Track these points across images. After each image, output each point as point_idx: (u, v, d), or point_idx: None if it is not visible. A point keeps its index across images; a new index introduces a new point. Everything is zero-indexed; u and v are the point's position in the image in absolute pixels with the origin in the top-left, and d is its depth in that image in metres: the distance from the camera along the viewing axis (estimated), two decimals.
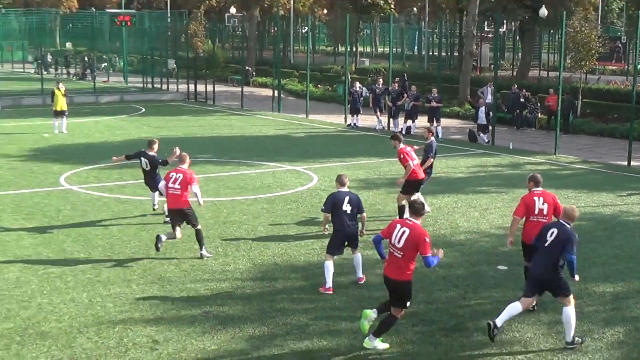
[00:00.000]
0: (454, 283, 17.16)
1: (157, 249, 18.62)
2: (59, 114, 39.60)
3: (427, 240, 13.22)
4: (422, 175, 21.96)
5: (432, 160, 23.40)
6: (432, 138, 23.71)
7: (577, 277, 13.95)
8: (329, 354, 13.45)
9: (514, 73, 63.86)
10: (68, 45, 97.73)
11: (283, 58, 71.94)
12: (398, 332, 14.12)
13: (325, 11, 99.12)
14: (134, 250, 19.36)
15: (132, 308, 15.40)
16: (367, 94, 45.80)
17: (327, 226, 17.13)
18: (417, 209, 13.62)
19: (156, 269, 17.83)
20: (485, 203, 25.16)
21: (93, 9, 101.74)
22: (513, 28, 76.16)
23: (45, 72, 70.18)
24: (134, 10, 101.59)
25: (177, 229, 18.93)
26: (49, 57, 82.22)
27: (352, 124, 43.93)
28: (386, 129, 42.69)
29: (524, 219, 15.84)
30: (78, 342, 13.73)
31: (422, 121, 41.67)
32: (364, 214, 17.05)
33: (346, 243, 16.87)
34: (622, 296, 16.64)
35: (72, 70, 79.25)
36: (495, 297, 16.45)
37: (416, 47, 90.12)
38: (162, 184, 20.05)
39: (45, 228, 21.25)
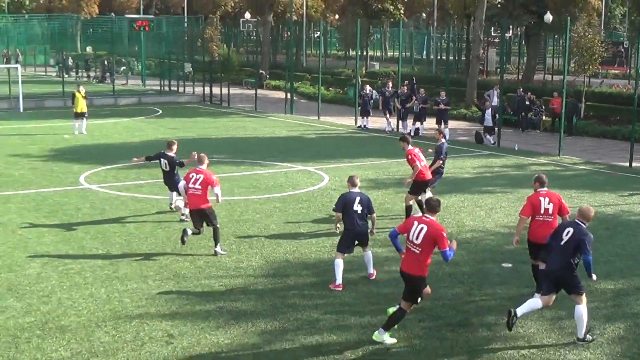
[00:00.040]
0: (460, 280, 17.14)
1: (183, 242, 18.73)
2: (79, 115, 39.69)
3: (445, 234, 13.41)
4: (429, 176, 21.93)
5: (440, 161, 23.37)
6: (443, 140, 23.69)
7: (594, 277, 14.00)
8: (339, 348, 13.45)
9: (520, 77, 63.74)
10: (88, 49, 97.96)
11: (296, 62, 71.88)
12: (405, 327, 14.12)
13: (336, 16, 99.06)
14: (150, 247, 19.39)
15: (148, 303, 15.43)
16: (377, 97, 45.78)
17: (338, 225, 17.14)
18: (433, 206, 13.79)
19: (172, 266, 17.86)
20: (491, 202, 25.12)
21: (113, 14, 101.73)
22: (519, 33, 75.97)
23: (66, 75, 70.36)
24: (152, 16, 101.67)
25: (200, 229, 18.99)
26: (70, 61, 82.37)
27: (362, 126, 43.90)
28: (395, 130, 42.65)
29: (530, 218, 15.86)
30: (96, 335, 13.77)
31: (430, 123, 41.65)
32: (374, 215, 17.04)
33: (356, 242, 16.90)
34: (623, 293, 16.60)
35: (92, 74, 79.35)
36: (500, 294, 16.44)
37: (425, 52, 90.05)
38: (182, 184, 20.10)
39: (65, 225, 21.30)
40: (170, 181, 22.50)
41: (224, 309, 15.20)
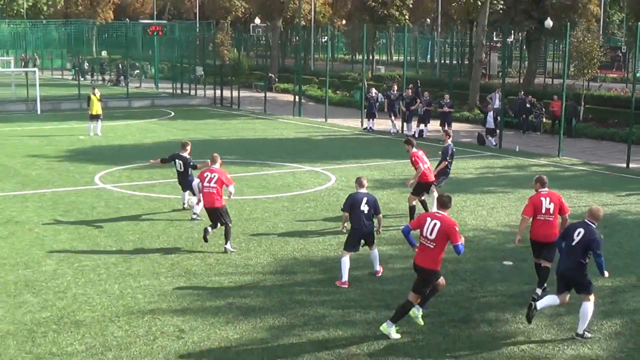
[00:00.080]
0: (462, 277, 17.11)
1: (206, 240, 18.78)
2: (94, 117, 39.72)
3: (457, 229, 13.56)
4: (432, 178, 21.92)
5: (445, 163, 23.36)
6: (449, 141, 23.68)
7: (606, 274, 14.08)
8: (344, 343, 13.45)
9: (521, 80, 63.66)
10: (103, 53, 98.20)
11: (304, 66, 71.88)
12: (409, 323, 14.10)
13: (343, 22, 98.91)
14: (162, 245, 19.40)
15: (160, 299, 15.44)
16: (383, 100, 45.75)
17: (345, 224, 17.14)
18: (444, 202, 13.92)
19: (183, 263, 17.87)
20: (493, 202, 25.09)
21: (127, 20, 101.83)
22: (520, 38, 75.84)
23: (82, 79, 70.57)
24: (165, 21, 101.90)
25: (217, 224, 19.05)
26: (86, 65, 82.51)
27: (368, 128, 43.88)
28: (400, 132, 42.62)
29: (531, 218, 15.87)
30: (110, 330, 13.79)
31: (434, 125, 41.61)
32: (380, 215, 17.04)
33: (363, 241, 16.90)
34: (620, 290, 16.57)
35: (107, 77, 79.46)
36: (501, 291, 16.42)
37: (429, 56, 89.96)
38: (196, 182, 20.19)
39: (80, 224, 21.32)
40: (184, 181, 22.57)
41: (233, 304, 15.21)
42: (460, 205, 24.28)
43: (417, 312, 14.06)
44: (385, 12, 68.98)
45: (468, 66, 66.68)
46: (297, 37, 69.01)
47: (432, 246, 13.52)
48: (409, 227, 14.17)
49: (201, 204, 20.85)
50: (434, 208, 23.10)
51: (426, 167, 21.60)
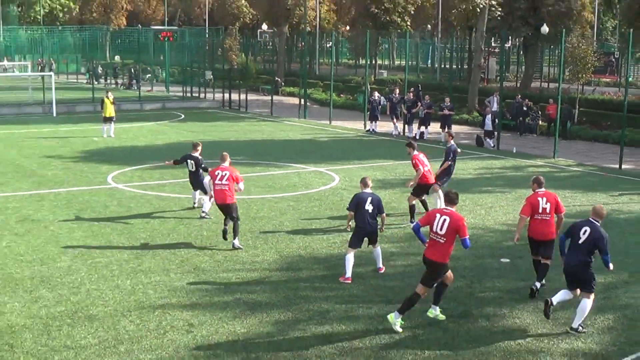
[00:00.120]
0: (461, 274, 17.08)
1: (225, 238, 18.85)
2: (108, 119, 39.73)
3: (465, 224, 13.82)
4: (432, 180, 21.91)
5: (448, 163, 23.35)
6: (452, 142, 23.70)
7: (611, 266, 14.15)
8: (347, 337, 13.44)
9: (518, 84, 63.55)
10: (117, 58, 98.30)
11: (309, 70, 71.88)
12: (410, 318, 14.10)
13: (347, 28, 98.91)
14: (172, 242, 19.40)
15: (170, 294, 15.45)
16: (385, 103, 45.68)
17: (350, 223, 17.14)
18: (452, 198, 14.13)
19: (192, 260, 17.87)
20: (490, 202, 25.07)
21: (139, 26, 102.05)
22: (517, 44, 75.71)
23: (96, 82, 70.46)
24: (175, 27, 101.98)
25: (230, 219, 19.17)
26: (100, 69, 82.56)
27: (371, 130, 43.86)
28: (402, 134, 42.61)
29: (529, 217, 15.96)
30: (122, 324, 13.80)
31: (434, 127, 41.59)
32: (384, 214, 17.04)
33: (366, 239, 16.92)
34: (612, 286, 16.55)
35: (119, 81, 79.45)
36: (499, 287, 16.41)
37: (429, 61, 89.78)
38: (207, 180, 20.20)
39: (93, 222, 21.33)
40: (195, 180, 22.58)
41: (240, 300, 15.21)
42: (459, 204, 24.01)
43: (434, 312, 14.24)
44: (387, 18, 68.90)
45: (467, 70, 66.53)
46: (303, 43, 68.94)
47: (442, 241, 13.70)
48: (418, 224, 14.35)
49: (210, 202, 20.99)
50: (437, 206, 23.22)
51: (426, 170, 21.60)
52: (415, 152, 21.72)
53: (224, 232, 18.83)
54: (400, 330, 13.68)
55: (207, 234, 20.11)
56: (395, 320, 13.74)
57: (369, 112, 44.47)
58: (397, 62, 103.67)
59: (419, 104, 41.80)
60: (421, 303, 14.13)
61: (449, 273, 14.21)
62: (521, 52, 72.03)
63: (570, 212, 20.16)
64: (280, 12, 77.50)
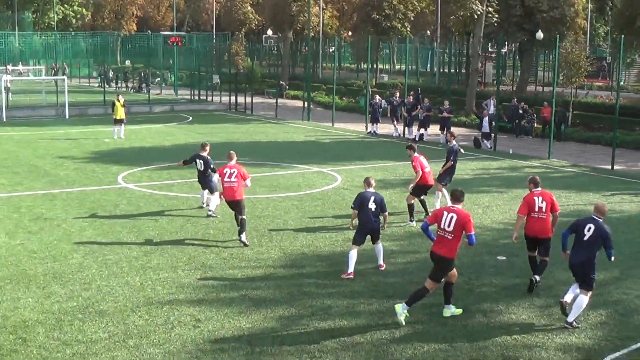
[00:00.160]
0: (459, 271, 16.88)
1: (245, 244, 18.85)
2: (118, 122, 39.70)
3: (472, 220, 13.94)
4: (431, 181, 21.85)
5: (452, 162, 23.35)
6: (454, 142, 23.73)
7: (613, 258, 14.23)
8: (349, 332, 13.41)
9: (514, 88, 63.50)
10: (127, 62, 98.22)
11: (312, 74, 71.77)
12: (410, 313, 14.04)
13: (350, 33, 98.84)
14: (180, 240, 19.36)
15: (178, 291, 15.42)
16: (386, 106, 45.63)
17: (353, 222, 17.11)
18: (457, 196, 14.29)
19: (199, 257, 17.83)
20: (488, 201, 25.01)
21: (149, 31, 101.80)
22: (513, 49, 75.72)
23: (107, 86, 70.58)
24: (184, 33, 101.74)
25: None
26: (111, 73, 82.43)
27: (372, 132, 43.80)
28: (402, 136, 42.56)
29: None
30: (131, 319, 13.77)
31: (434, 129, 41.53)
32: (387, 213, 17.09)
33: (369, 237, 16.92)
34: (604, 283, 16.49)
35: (130, 84, 79.34)
36: (495, 284, 16.38)
37: (429, 65, 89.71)
38: (216, 178, 20.18)
39: (104, 220, 21.30)
40: (204, 180, 22.52)
41: (246, 296, 15.18)
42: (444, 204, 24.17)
43: (449, 310, 14.24)
44: (388, 24, 68.90)
45: (465, 75, 66.53)
46: (307, 48, 68.94)
47: (450, 237, 13.80)
48: (427, 223, 14.41)
49: (221, 199, 21.02)
50: (437, 205, 23.24)
51: (426, 171, 21.55)
52: (416, 154, 21.68)
53: (243, 244, 18.91)
54: (403, 323, 13.66)
55: (213, 232, 20.08)
56: (402, 310, 13.75)
57: (370, 115, 44.40)
58: (397, 67, 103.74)
59: (419, 106, 41.72)
60: (422, 299, 14.09)
61: (454, 271, 14.24)
62: (517, 57, 72.00)
63: (564, 211, 20.08)
64: (285, 18, 77.48)
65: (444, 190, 23.03)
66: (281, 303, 14.80)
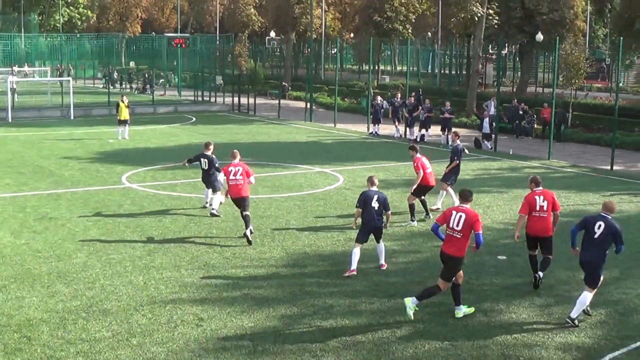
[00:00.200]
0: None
1: (249, 242, 18.86)
2: (122, 122, 39.68)
3: (480, 219, 13.99)
4: (432, 182, 21.80)
5: (457, 162, 23.35)
6: (458, 141, 23.73)
7: (622, 248, 14.24)
8: (351, 331, 13.37)
9: (514, 89, 63.44)
10: (131, 64, 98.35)
11: (315, 75, 71.75)
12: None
13: (352, 35, 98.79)
14: (183, 239, 19.33)
15: (181, 290, 15.38)
16: (387, 107, 45.60)
17: (357, 220, 17.08)
18: (466, 196, 14.38)
19: (202, 257, 17.80)
20: (488, 201, 24.96)
21: (153, 33, 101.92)
22: (513, 50, 75.70)
23: (111, 87, 70.47)
24: (188, 34, 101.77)
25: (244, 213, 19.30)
26: (115, 74, 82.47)
27: (374, 132, 43.77)
28: (403, 136, 42.54)
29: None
30: (134, 318, 13.74)
31: (435, 130, 41.52)
32: (390, 212, 17.09)
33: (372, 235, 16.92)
34: (604, 283, 16.29)
35: (134, 85, 79.35)
36: (496, 284, 16.34)
37: (430, 66, 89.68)
38: (221, 177, 20.18)
39: (108, 220, 21.27)
40: (208, 178, 22.48)
41: (248, 295, 15.14)
42: (451, 204, 24.13)
43: (461, 311, 14.19)
44: (390, 26, 68.85)
45: (466, 76, 66.46)
46: (309, 49, 68.85)
47: (459, 236, 13.86)
48: (437, 224, 14.45)
49: (221, 198, 21.02)
50: (439, 204, 23.24)
51: (428, 172, 21.52)
52: (418, 155, 21.66)
53: (246, 236, 18.89)
54: (412, 317, 13.69)
55: (216, 232, 20.05)
56: (412, 304, 13.78)
57: (372, 116, 44.41)
58: (399, 68, 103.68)
59: (420, 107, 41.73)
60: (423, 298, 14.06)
61: (460, 272, 14.21)
62: (517, 59, 72.01)
63: (564, 211, 20.00)
64: (288, 20, 77.47)
65: (450, 189, 23.05)
66: (283, 302, 14.77)
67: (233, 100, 59.10)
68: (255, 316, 13.96)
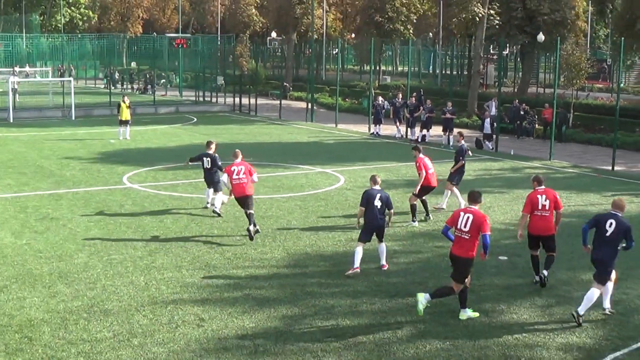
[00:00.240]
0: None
1: (251, 237, 18.90)
2: (124, 123, 39.69)
3: (488, 221, 13.97)
4: (434, 183, 21.77)
5: (462, 162, 23.41)
6: (463, 142, 23.77)
7: (633, 244, 14.28)
8: (352, 331, 13.37)
9: (515, 89, 63.39)
10: (133, 64, 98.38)
11: (316, 75, 71.82)
12: (411, 313, 14.05)
13: (353, 35, 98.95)
14: (185, 240, 19.33)
15: (182, 290, 15.38)
16: (388, 107, 45.67)
17: (360, 220, 17.07)
18: (475, 197, 14.36)
19: (203, 257, 17.79)
20: (489, 202, 24.93)
21: (154, 33, 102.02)
22: (515, 51, 75.63)
23: (113, 87, 70.67)
24: (189, 35, 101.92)
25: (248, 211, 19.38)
26: (117, 75, 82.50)
27: (375, 133, 43.77)
28: (404, 137, 42.54)
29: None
30: (135, 318, 13.73)
31: (436, 130, 41.51)
32: (392, 210, 17.11)
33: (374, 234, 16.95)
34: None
35: (135, 86, 79.40)
36: (496, 284, 16.32)
37: (431, 67, 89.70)
38: (225, 177, 20.18)
39: (109, 220, 21.26)
40: (210, 178, 22.47)
41: (249, 296, 15.13)
42: (457, 204, 24.12)
43: (466, 314, 14.16)
44: (391, 26, 68.92)
45: (467, 76, 66.44)
46: (310, 50, 68.85)
47: (467, 237, 13.86)
48: (447, 226, 14.44)
49: (223, 197, 21.04)
50: (444, 204, 23.26)
51: (430, 173, 21.52)
52: (421, 155, 21.66)
53: (249, 232, 18.90)
54: (422, 312, 13.76)
55: (217, 232, 20.05)
56: (424, 300, 13.84)
57: (373, 116, 44.43)
58: (400, 68, 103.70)
59: (421, 108, 41.74)
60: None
61: (469, 278, 14.22)
62: (518, 59, 71.96)
63: (565, 212, 20.00)
64: (289, 20, 77.54)
65: (455, 189, 23.08)
66: (284, 303, 14.76)
67: (234, 100, 59.11)
68: (256, 316, 13.96)
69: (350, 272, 16.47)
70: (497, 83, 52.82)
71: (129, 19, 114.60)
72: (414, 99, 43.31)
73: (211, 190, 22.64)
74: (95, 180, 27.65)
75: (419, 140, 40.01)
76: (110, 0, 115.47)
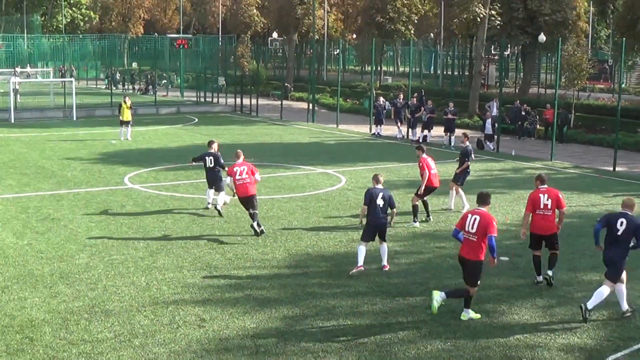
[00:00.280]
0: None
1: (257, 233, 19.21)
2: (125, 123, 39.68)
3: (494, 223, 13.97)
4: (436, 183, 21.77)
5: (468, 163, 23.46)
6: (468, 143, 23.82)
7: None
8: (353, 332, 13.37)
9: (517, 90, 63.39)
10: (134, 64, 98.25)
11: (317, 76, 71.81)
12: (412, 314, 14.05)
13: (354, 36, 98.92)
14: (186, 240, 19.32)
15: (183, 291, 15.38)
16: (390, 107, 45.66)
17: (362, 219, 17.08)
18: (484, 198, 14.45)
19: (205, 258, 17.80)
20: (491, 202, 24.87)
21: (156, 34, 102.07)
22: (516, 52, 75.57)
23: (114, 88, 70.66)
24: (190, 35, 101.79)
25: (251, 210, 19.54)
26: (118, 75, 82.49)
27: (376, 133, 43.76)
28: (405, 137, 42.51)
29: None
30: (137, 319, 13.73)
31: (437, 131, 41.50)
32: (395, 209, 17.14)
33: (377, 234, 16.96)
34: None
35: (136, 86, 79.37)
36: (498, 285, 16.31)
37: (432, 67, 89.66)
38: (228, 179, 20.21)
39: (111, 221, 21.27)
40: (212, 177, 22.47)
41: (250, 296, 15.13)
42: (461, 205, 24.12)
43: (467, 315, 14.13)
44: (392, 27, 68.93)
45: (468, 77, 66.43)
46: (311, 50, 68.89)
47: (474, 239, 13.87)
48: (457, 229, 14.42)
49: (225, 197, 21.07)
50: (451, 204, 23.27)
51: (433, 173, 21.53)
52: (424, 156, 21.67)
53: (253, 228, 19.15)
54: (436, 310, 13.80)
55: (219, 233, 20.04)
56: (438, 297, 13.87)
57: (374, 117, 44.41)
58: (401, 69, 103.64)
59: (422, 108, 41.72)
60: (423, 298, 14.03)
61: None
62: (519, 60, 71.91)
63: (566, 212, 20.00)
64: (290, 21, 77.54)
65: (460, 190, 23.10)
66: (285, 303, 14.76)
67: (235, 101, 59.08)
68: (257, 317, 13.96)
69: (354, 270, 16.48)
70: (498, 83, 52.72)
71: (130, 19, 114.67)
72: (415, 99, 43.30)
73: (212, 190, 22.64)
74: (96, 180, 27.66)
75: (420, 140, 39.99)
76: (112, 0, 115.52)
